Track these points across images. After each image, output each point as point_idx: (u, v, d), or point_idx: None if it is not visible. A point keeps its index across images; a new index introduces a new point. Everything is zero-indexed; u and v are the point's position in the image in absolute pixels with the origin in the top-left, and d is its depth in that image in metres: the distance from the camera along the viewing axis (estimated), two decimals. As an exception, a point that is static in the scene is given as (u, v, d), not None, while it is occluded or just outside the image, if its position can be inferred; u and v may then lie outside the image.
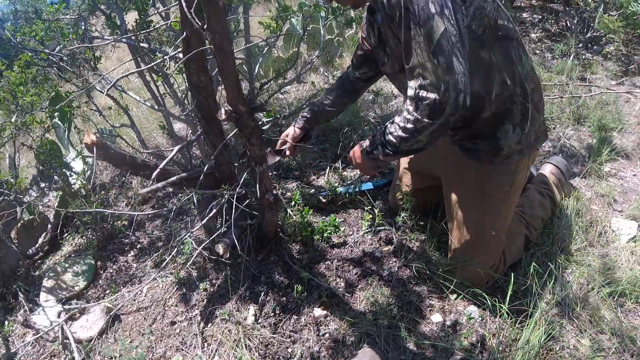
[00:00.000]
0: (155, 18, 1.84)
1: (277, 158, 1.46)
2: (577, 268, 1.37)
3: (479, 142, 1.20)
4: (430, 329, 1.25)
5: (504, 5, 3.28)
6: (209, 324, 1.34)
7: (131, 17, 1.84)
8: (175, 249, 1.38)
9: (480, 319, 1.26)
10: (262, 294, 1.39)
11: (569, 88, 2.31)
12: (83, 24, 1.87)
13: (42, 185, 1.96)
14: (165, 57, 1.35)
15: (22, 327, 1.51)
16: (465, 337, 1.21)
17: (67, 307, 1.51)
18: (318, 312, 1.32)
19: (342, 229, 1.60)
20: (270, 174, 1.41)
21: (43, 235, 1.89)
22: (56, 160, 1.77)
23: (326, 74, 2.84)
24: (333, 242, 1.56)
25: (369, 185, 1.76)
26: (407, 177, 1.52)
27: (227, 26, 0.91)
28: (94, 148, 1.45)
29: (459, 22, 0.94)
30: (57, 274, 1.65)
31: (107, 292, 1.57)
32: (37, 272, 1.75)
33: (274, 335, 1.27)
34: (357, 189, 1.73)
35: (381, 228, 1.57)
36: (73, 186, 1.84)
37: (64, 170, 1.80)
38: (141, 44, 1.69)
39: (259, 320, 1.32)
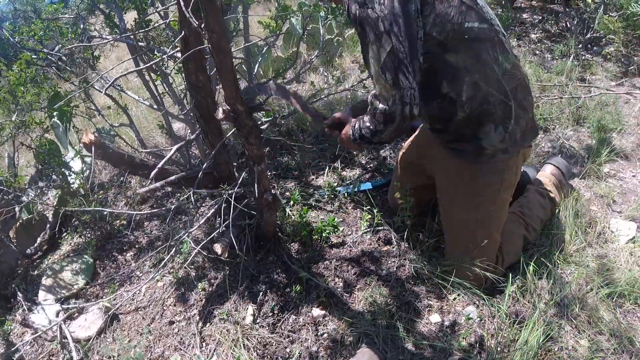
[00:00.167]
0: (154, 17, 1.83)
1: (319, 120, 1.47)
2: (575, 269, 1.36)
3: (463, 143, 1.22)
4: (429, 329, 1.25)
5: (504, 5, 3.29)
6: (208, 324, 1.34)
7: (130, 17, 1.84)
8: (174, 249, 1.37)
9: (478, 319, 1.26)
10: (261, 293, 1.38)
11: (569, 89, 2.31)
12: (82, 23, 1.87)
13: (41, 184, 1.96)
14: (163, 56, 1.35)
15: (20, 326, 1.51)
16: (463, 338, 1.21)
17: (65, 306, 1.51)
18: (316, 312, 1.32)
19: (341, 228, 1.60)
20: (268, 173, 1.41)
21: (42, 234, 1.89)
22: (55, 160, 1.77)
23: (325, 73, 2.84)
24: (332, 242, 1.55)
25: (367, 185, 1.76)
26: (405, 176, 1.52)
27: (224, 25, 0.91)
28: (93, 147, 1.45)
29: (412, 37, 1.00)
30: (56, 273, 1.65)
31: (106, 291, 1.57)
32: (35, 272, 1.75)
33: (272, 335, 1.27)
34: (356, 189, 1.73)
35: (380, 228, 1.57)
36: (72, 185, 1.84)
37: (62, 169, 1.80)
38: (140, 43, 1.69)
39: (258, 320, 1.32)
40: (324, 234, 1.54)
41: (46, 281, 1.63)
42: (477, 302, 1.30)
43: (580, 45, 2.73)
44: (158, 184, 1.42)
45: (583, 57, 2.66)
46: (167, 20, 1.49)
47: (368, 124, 1.17)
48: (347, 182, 1.84)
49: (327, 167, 1.93)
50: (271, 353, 1.23)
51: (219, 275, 1.49)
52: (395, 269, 1.42)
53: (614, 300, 1.26)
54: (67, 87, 2.36)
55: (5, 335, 1.46)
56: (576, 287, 1.30)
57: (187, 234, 1.34)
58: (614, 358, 1.13)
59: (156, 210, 1.56)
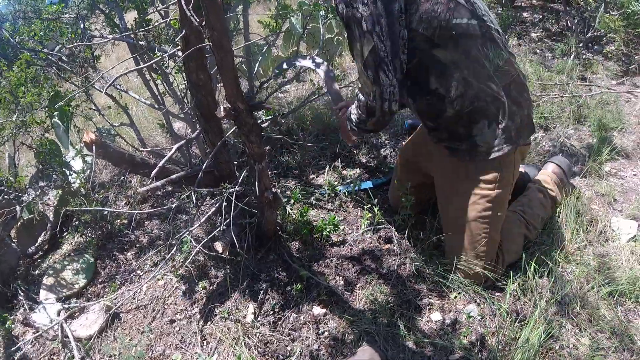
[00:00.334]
0: (155, 17, 1.84)
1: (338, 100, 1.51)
2: (576, 267, 1.36)
3: (457, 142, 1.22)
4: (430, 327, 1.25)
5: (504, 4, 3.29)
6: (208, 322, 1.34)
7: (130, 17, 1.84)
8: (175, 247, 1.38)
9: (479, 317, 1.26)
10: (262, 292, 1.39)
11: (570, 87, 2.31)
12: (82, 23, 1.87)
13: (42, 184, 1.96)
14: (164, 55, 1.36)
15: (22, 325, 1.51)
16: (464, 336, 1.21)
17: (66, 305, 1.51)
18: (317, 310, 1.32)
19: (341, 227, 1.60)
20: (269, 172, 1.41)
21: (43, 234, 1.89)
22: (56, 160, 1.77)
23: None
24: (332, 240, 1.55)
25: (368, 184, 1.76)
26: (405, 175, 1.52)
27: (225, 23, 0.91)
28: (93, 146, 1.45)
29: (394, 36, 1.05)
30: (57, 272, 1.65)
31: (107, 290, 1.57)
32: (36, 271, 1.75)
33: (273, 334, 1.27)
34: (356, 188, 1.73)
35: (381, 226, 1.57)
36: (72, 185, 1.84)
37: (63, 169, 1.80)
38: (140, 42, 1.69)
39: (258, 319, 1.32)
40: (324, 233, 1.54)
41: (47, 280, 1.63)
42: (478, 300, 1.30)
43: (581, 44, 2.73)
44: (159, 183, 1.42)
45: (584, 56, 2.66)
46: (168, 19, 1.49)
47: (354, 112, 1.27)
48: (348, 180, 1.84)
49: (328, 166, 1.93)
50: (272, 351, 1.23)
51: (219, 274, 1.49)
52: (396, 268, 1.42)
53: (614, 299, 1.26)
54: (67, 87, 2.36)
55: (7, 335, 1.46)
56: (577, 286, 1.30)
57: (187, 232, 1.34)
58: (614, 357, 1.13)
59: (157, 209, 1.56)
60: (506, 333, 1.19)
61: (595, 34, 2.76)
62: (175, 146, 1.40)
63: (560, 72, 2.48)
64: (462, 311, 1.28)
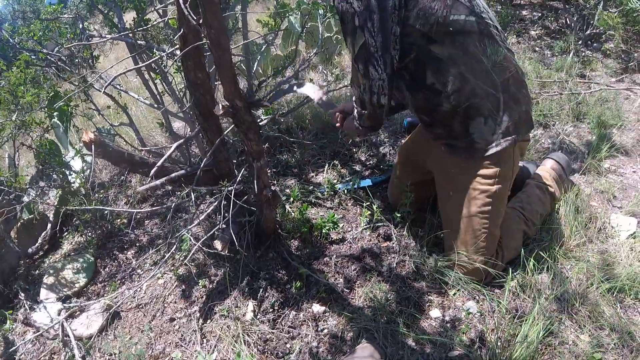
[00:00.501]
0: (154, 16, 1.84)
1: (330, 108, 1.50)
2: (576, 264, 1.36)
3: (456, 139, 1.23)
4: (429, 324, 1.25)
5: (503, 2, 3.29)
6: (208, 320, 1.34)
7: (129, 17, 1.84)
8: (175, 246, 1.38)
9: (479, 314, 1.26)
10: (261, 290, 1.39)
11: (569, 85, 2.31)
12: (81, 23, 1.87)
13: (42, 184, 1.96)
14: (162, 54, 1.36)
15: (22, 325, 1.51)
16: (464, 333, 1.21)
17: (67, 305, 1.51)
18: (317, 307, 1.32)
19: (340, 225, 1.60)
20: (268, 171, 1.41)
21: (43, 234, 1.89)
22: (55, 160, 1.77)
23: (325, 71, 2.85)
24: (332, 238, 1.56)
25: (367, 182, 1.76)
26: (405, 172, 1.52)
27: (223, 21, 0.91)
28: (93, 146, 1.45)
29: (386, 32, 1.07)
30: (57, 272, 1.66)
31: (107, 289, 1.58)
32: (37, 271, 1.75)
33: (272, 331, 1.27)
34: (355, 186, 1.73)
35: (380, 224, 1.57)
36: (72, 185, 1.84)
37: (63, 169, 1.80)
38: (139, 42, 1.69)
39: (258, 316, 1.32)
40: (323, 231, 1.55)
41: (47, 280, 1.63)
42: (477, 297, 1.30)
43: (580, 42, 2.73)
44: (158, 182, 1.42)
45: (583, 54, 2.65)
46: (166, 19, 1.49)
47: (354, 106, 1.34)
48: (347, 179, 1.84)
49: (327, 164, 1.93)
50: (271, 349, 1.23)
51: (219, 272, 1.49)
52: (395, 265, 1.42)
53: (614, 296, 1.26)
54: (66, 87, 2.36)
55: (7, 334, 1.47)
56: (576, 282, 1.30)
57: (187, 230, 1.34)
58: (614, 353, 1.13)
59: (156, 208, 1.57)
60: (505, 330, 1.19)
61: (594, 31, 2.76)
62: (174, 145, 1.40)
63: (560, 70, 2.47)
64: (461, 308, 1.29)
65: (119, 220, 1.87)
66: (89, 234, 1.79)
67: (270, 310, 1.34)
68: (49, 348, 1.40)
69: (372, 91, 1.16)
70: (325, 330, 1.26)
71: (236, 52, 2.15)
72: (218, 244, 1.39)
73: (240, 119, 1.10)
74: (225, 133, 1.36)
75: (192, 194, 1.26)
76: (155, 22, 1.57)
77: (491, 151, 1.19)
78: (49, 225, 1.90)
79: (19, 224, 1.86)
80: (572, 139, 1.98)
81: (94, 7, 1.92)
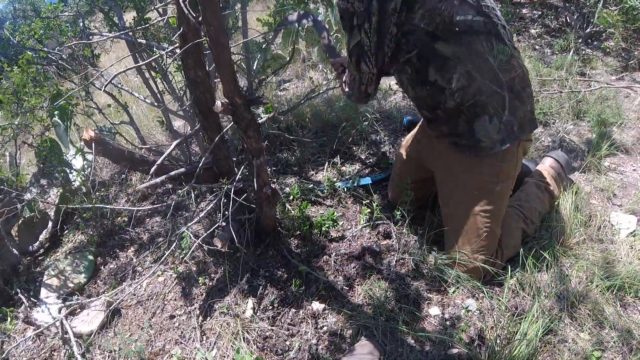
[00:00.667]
0: (154, 15, 1.84)
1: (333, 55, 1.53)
2: (575, 262, 1.36)
3: (460, 137, 1.22)
4: (428, 322, 1.25)
5: (503, 0, 3.28)
6: (208, 318, 1.35)
7: (129, 16, 1.85)
8: (175, 243, 1.38)
9: (478, 312, 1.26)
10: (261, 287, 1.39)
11: (569, 83, 2.31)
12: (82, 21, 1.87)
13: (43, 182, 1.97)
14: (162, 52, 1.36)
15: (22, 323, 1.52)
16: (463, 331, 1.21)
17: (67, 302, 1.52)
18: (316, 305, 1.32)
19: (340, 223, 1.60)
20: (268, 169, 1.41)
21: (44, 232, 1.90)
22: (56, 158, 1.78)
23: (325, 70, 2.85)
24: (331, 236, 1.56)
25: (367, 180, 1.76)
26: (405, 170, 1.52)
27: (222, 19, 0.91)
28: (93, 144, 1.46)
29: (382, 32, 1.11)
30: (58, 270, 1.66)
31: (107, 287, 1.58)
32: (37, 269, 1.76)
33: (272, 328, 1.28)
34: (355, 184, 1.73)
35: (379, 222, 1.57)
36: (73, 183, 1.85)
37: (64, 167, 1.81)
38: (139, 40, 1.69)
39: (258, 314, 1.32)
40: (323, 228, 1.55)
41: (48, 278, 1.64)
42: (476, 295, 1.30)
43: (580, 40, 2.72)
44: (158, 180, 1.42)
45: (583, 52, 2.65)
46: (166, 17, 1.49)
47: (345, 81, 1.36)
48: (347, 177, 1.84)
49: (327, 163, 1.93)
50: (271, 346, 1.23)
51: (219, 270, 1.49)
52: (394, 263, 1.42)
53: (614, 294, 1.26)
54: (67, 85, 2.37)
55: (7, 332, 1.47)
56: (576, 280, 1.30)
57: (187, 228, 1.34)
58: (614, 351, 1.13)
59: (157, 205, 1.57)
60: (505, 328, 1.19)
61: (594, 29, 2.76)
62: (174, 143, 1.41)
63: (560, 68, 2.47)
64: (460, 306, 1.29)
65: (119, 218, 1.87)
66: (90, 232, 1.80)
67: (270, 307, 1.34)
68: (49, 345, 1.41)
69: (361, 82, 1.24)
70: (325, 328, 1.27)
71: (236, 51, 2.16)
72: (218, 242, 1.39)
73: (239, 117, 1.10)
74: (224, 130, 1.36)
75: (192, 191, 1.26)
76: (155, 21, 1.57)
77: (496, 150, 1.19)
78: (50, 224, 1.90)
79: (20, 221, 1.86)
80: (572, 137, 1.98)
81: (94, 5, 1.93)
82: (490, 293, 1.29)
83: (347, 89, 1.36)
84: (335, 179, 1.81)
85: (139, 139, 2.18)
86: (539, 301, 1.21)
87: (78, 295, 1.57)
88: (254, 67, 2.08)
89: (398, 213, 1.52)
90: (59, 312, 1.49)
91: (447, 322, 1.24)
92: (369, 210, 1.61)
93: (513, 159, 1.24)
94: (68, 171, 1.84)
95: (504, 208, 1.30)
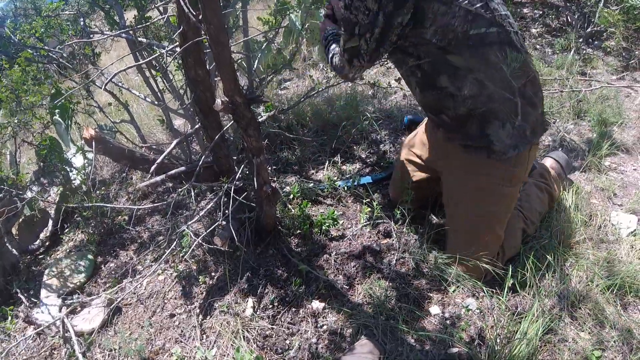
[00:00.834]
0: (154, 14, 1.84)
1: None
2: (576, 261, 1.36)
3: (471, 140, 1.21)
4: (428, 321, 1.25)
5: (504, 0, 3.27)
6: (208, 316, 1.35)
7: (130, 15, 1.85)
8: (175, 242, 1.38)
9: (478, 311, 1.26)
10: (261, 286, 1.39)
11: (569, 82, 2.30)
12: (82, 20, 1.87)
13: (43, 181, 1.97)
14: (162, 51, 1.36)
15: (23, 322, 1.52)
16: (463, 330, 1.21)
17: (68, 301, 1.52)
18: (316, 304, 1.32)
19: (340, 222, 1.60)
20: (269, 168, 1.41)
21: (44, 230, 1.90)
22: (57, 157, 1.78)
23: (325, 69, 2.85)
24: (332, 235, 1.56)
25: (367, 179, 1.76)
26: (408, 169, 1.52)
27: (222, 17, 0.91)
28: (93, 142, 1.46)
29: (381, 41, 1.10)
30: (58, 268, 1.66)
31: (108, 285, 1.58)
32: (38, 268, 1.76)
33: (272, 327, 1.28)
34: (355, 183, 1.73)
35: (380, 221, 1.57)
36: (73, 182, 1.85)
37: (64, 166, 1.81)
38: (139, 39, 1.69)
39: (258, 312, 1.32)
40: (323, 227, 1.55)
41: (48, 277, 1.64)
42: (476, 294, 1.30)
43: (580, 40, 2.72)
44: (158, 178, 1.42)
45: (584, 51, 2.65)
46: (166, 16, 1.49)
47: (331, 56, 1.31)
48: (347, 176, 1.84)
49: (327, 162, 1.93)
50: (271, 345, 1.23)
51: (219, 269, 1.49)
52: (394, 262, 1.42)
53: (614, 293, 1.26)
54: (68, 84, 2.37)
55: (8, 331, 1.47)
56: (576, 280, 1.30)
57: (187, 226, 1.34)
58: (614, 350, 1.13)
59: (157, 204, 1.57)
60: (505, 327, 1.19)
61: (595, 29, 2.75)
62: (174, 142, 1.41)
63: (560, 68, 2.47)
64: (460, 305, 1.29)
65: (119, 217, 1.87)
66: (90, 230, 1.80)
67: (270, 306, 1.34)
68: (49, 344, 1.41)
69: (350, 72, 1.25)
70: (325, 327, 1.27)
71: (236, 50, 2.16)
72: (218, 241, 1.39)
73: (239, 115, 1.10)
74: (224, 129, 1.36)
75: (192, 190, 1.26)
76: (155, 19, 1.57)
77: (509, 155, 1.18)
78: (50, 222, 1.91)
79: (20, 220, 1.87)
80: (572, 137, 1.98)
81: (95, 4, 1.93)
82: (491, 292, 1.29)
83: (333, 63, 1.33)
84: (335, 178, 1.81)
85: (139, 138, 2.18)
86: (539, 300, 1.21)
87: (79, 294, 1.57)
88: (255, 67, 2.08)
89: (398, 212, 1.52)
90: (60, 310, 1.49)
91: (448, 321, 1.24)
92: (369, 209, 1.61)
93: (525, 163, 1.24)
94: (68, 170, 1.84)
95: (510, 211, 1.29)
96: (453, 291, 1.32)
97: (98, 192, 1.79)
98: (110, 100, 2.05)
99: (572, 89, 2.24)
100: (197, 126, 1.57)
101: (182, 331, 1.33)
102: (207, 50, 1.39)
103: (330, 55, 1.31)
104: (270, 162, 1.96)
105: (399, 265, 1.42)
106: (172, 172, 1.45)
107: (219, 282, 1.44)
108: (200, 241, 1.29)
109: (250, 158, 1.24)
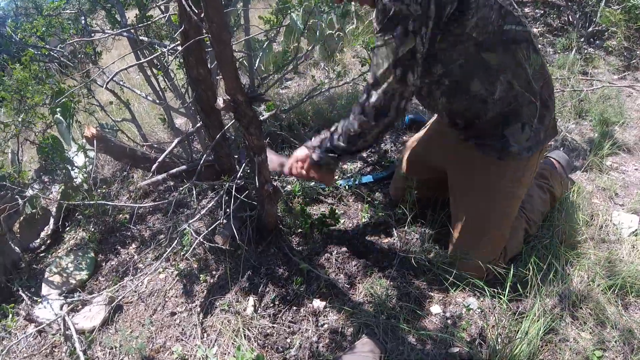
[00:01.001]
0: (155, 12, 1.84)
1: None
2: (577, 261, 1.36)
3: (489, 140, 1.20)
4: (429, 320, 1.25)
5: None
6: (209, 315, 1.35)
7: (131, 14, 1.85)
8: (176, 241, 1.38)
9: (479, 310, 1.26)
10: (262, 285, 1.39)
11: (571, 82, 2.30)
12: (83, 19, 1.88)
13: (45, 179, 1.97)
14: (164, 49, 1.36)
15: (24, 320, 1.52)
16: (464, 329, 1.21)
17: (69, 299, 1.52)
18: (317, 303, 1.32)
19: (342, 221, 1.60)
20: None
21: (45, 228, 1.90)
22: (58, 155, 1.78)
23: (327, 68, 2.85)
24: (333, 234, 1.56)
25: (369, 178, 1.76)
26: (412, 170, 1.51)
27: (224, 16, 0.91)
28: (95, 141, 1.46)
29: (433, 40, 1.02)
30: (60, 266, 1.66)
31: (109, 283, 1.58)
32: (39, 266, 1.76)
33: (273, 326, 1.28)
34: (357, 182, 1.73)
35: (381, 220, 1.57)
36: (75, 180, 1.85)
37: (66, 164, 1.81)
38: (141, 37, 1.69)
39: (259, 311, 1.32)
40: (324, 226, 1.55)
41: (50, 275, 1.64)
42: (478, 294, 1.30)
43: (582, 39, 2.71)
44: (160, 177, 1.42)
45: (585, 51, 2.64)
46: (168, 14, 1.49)
47: (355, 123, 1.12)
48: (348, 175, 1.84)
49: (328, 161, 1.93)
50: (272, 343, 1.23)
51: (220, 267, 1.49)
52: (395, 261, 1.42)
53: (615, 293, 1.26)
54: (69, 82, 2.37)
55: (8, 329, 1.48)
56: (578, 279, 1.30)
57: (188, 225, 1.34)
58: (615, 351, 1.13)
59: (158, 202, 1.57)
60: (506, 326, 1.19)
61: (596, 28, 2.75)
62: (176, 140, 1.41)
63: (562, 67, 2.47)
64: (462, 304, 1.29)
65: (121, 215, 1.87)
66: (91, 228, 1.80)
67: (271, 305, 1.34)
68: (50, 342, 1.41)
69: (402, 97, 1.06)
70: (326, 326, 1.27)
71: (238, 49, 2.16)
72: (219, 239, 1.39)
73: (241, 113, 1.10)
74: (226, 128, 1.36)
75: (193, 189, 1.26)
76: (157, 18, 1.57)
77: (523, 157, 1.18)
78: (52, 220, 1.91)
79: (22, 218, 1.87)
80: (574, 136, 1.98)
81: (96, 3, 1.93)
82: (492, 292, 1.29)
83: (341, 140, 1.17)
84: (336, 177, 1.81)
85: (140, 137, 2.18)
86: (540, 300, 1.21)
87: (80, 292, 1.57)
88: (256, 65, 2.08)
89: (400, 211, 1.52)
90: (61, 308, 1.49)
91: (449, 321, 1.24)
92: (370, 208, 1.60)
93: (535, 165, 1.24)
94: (70, 168, 1.84)
95: (515, 212, 1.29)
96: (454, 291, 1.32)
97: (99, 190, 1.79)
98: (112, 99, 2.05)
99: (573, 88, 2.24)
100: (198, 125, 1.57)
101: (183, 329, 1.33)
102: (209, 49, 1.39)
103: (346, 128, 1.15)
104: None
105: (400, 264, 1.42)
106: (174, 170, 1.45)
107: (220, 281, 1.44)
108: (201, 240, 1.29)
109: (252, 157, 1.24)
